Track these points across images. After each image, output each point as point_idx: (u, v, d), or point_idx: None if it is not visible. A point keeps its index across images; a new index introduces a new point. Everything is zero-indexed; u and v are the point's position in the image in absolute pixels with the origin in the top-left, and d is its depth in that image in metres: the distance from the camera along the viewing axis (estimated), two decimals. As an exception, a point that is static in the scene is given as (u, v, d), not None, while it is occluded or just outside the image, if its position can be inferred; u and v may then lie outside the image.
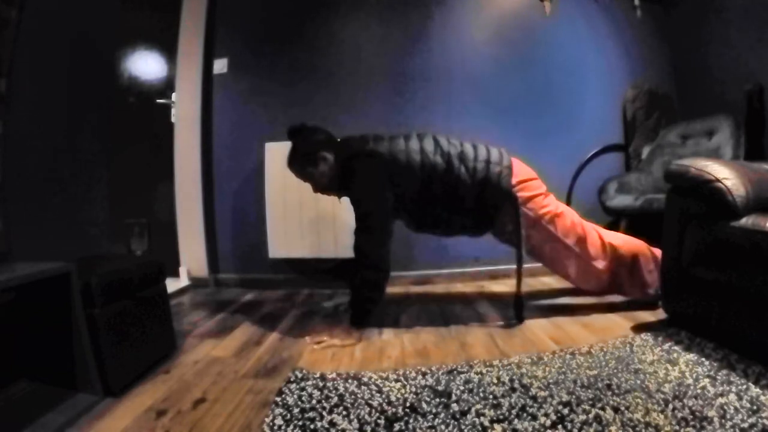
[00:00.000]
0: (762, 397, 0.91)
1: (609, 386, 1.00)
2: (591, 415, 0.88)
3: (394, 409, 0.95)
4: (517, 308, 1.58)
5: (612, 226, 2.28)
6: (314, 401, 1.00)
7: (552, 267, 1.73)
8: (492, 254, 2.31)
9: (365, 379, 1.11)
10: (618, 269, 1.61)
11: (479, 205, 1.58)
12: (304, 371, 1.17)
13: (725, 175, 1.20)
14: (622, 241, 1.64)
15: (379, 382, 1.09)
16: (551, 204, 1.64)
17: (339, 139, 1.68)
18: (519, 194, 1.57)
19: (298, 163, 1.63)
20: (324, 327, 1.61)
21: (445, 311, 1.77)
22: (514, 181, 1.58)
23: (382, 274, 1.57)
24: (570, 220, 1.62)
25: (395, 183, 1.54)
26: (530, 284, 2.17)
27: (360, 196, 1.56)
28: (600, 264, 1.60)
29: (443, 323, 1.62)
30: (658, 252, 1.61)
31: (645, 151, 2.42)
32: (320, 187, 1.68)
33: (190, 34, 2.37)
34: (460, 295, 2.03)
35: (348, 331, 1.53)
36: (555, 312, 1.67)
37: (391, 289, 2.17)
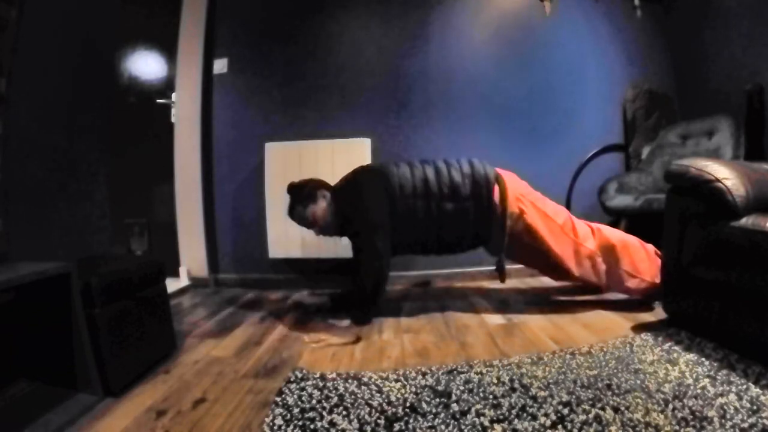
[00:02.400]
0: (762, 397, 0.91)
1: (609, 386, 1.00)
2: (591, 415, 0.88)
3: (394, 409, 0.95)
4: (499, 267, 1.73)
5: (612, 226, 2.28)
6: (314, 401, 1.00)
7: (556, 260, 1.70)
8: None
9: (365, 379, 1.11)
10: (608, 253, 1.63)
11: (472, 233, 1.70)
12: (304, 371, 1.17)
13: (725, 175, 1.20)
14: (609, 229, 1.72)
15: (379, 382, 1.09)
16: (547, 200, 1.74)
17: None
18: (508, 211, 1.65)
19: (300, 204, 1.71)
20: (323, 326, 1.61)
21: (445, 311, 1.77)
22: (497, 200, 1.65)
23: (382, 275, 1.62)
24: (566, 215, 1.71)
25: (393, 194, 1.63)
26: (530, 284, 2.17)
27: (360, 208, 1.63)
28: (590, 243, 1.65)
29: (443, 323, 1.62)
30: (649, 246, 1.67)
31: (645, 151, 2.42)
32: (323, 225, 1.74)
33: (190, 34, 2.37)
34: (460, 295, 2.03)
35: (346, 330, 1.54)
36: (555, 312, 1.67)
37: (391, 289, 2.18)
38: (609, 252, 1.63)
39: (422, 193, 1.63)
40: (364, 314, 1.65)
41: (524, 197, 1.68)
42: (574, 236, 1.66)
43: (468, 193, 1.64)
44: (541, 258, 1.73)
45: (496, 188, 1.66)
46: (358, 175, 1.74)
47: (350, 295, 1.75)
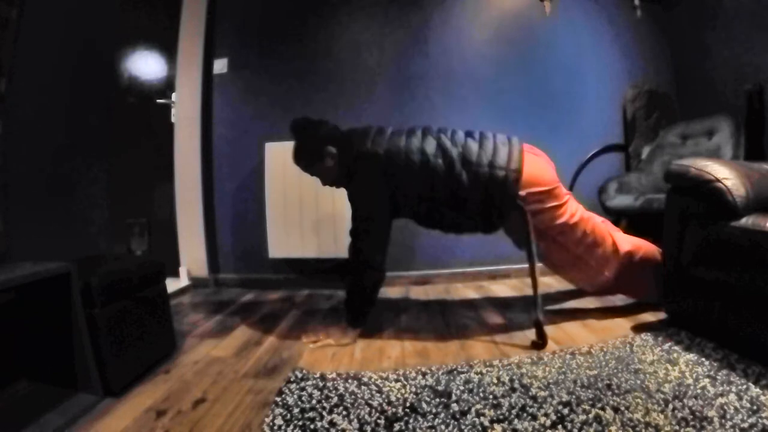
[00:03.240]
0: (762, 397, 0.91)
1: (609, 386, 1.00)
2: (591, 415, 0.88)
3: (394, 409, 0.95)
4: (538, 331, 1.37)
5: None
6: (314, 401, 1.00)
7: (558, 272, 1.70)
8: (492, 255, 2.31)
9: (365, 379, 1.11)
10: (627, 274, 1.56)
11: (484, 210, 1.46)
12: (304, 371, 1.17)
13: (725, 175, 1.20)
14: (636, 246, 1.57)
15: (379, 382, 1.09)
16: (566, 213, 1.48)
17: (342, 132, 1.63)
18: (529, 207, 1.42)
19: (305, 159, 1.60)
20: (321, 326, 1.61)
21: (445, 311, 1.77)
22: (524, 192, 1.41)
23: (379, 275, 1.51)
24: (583, 229, 1.50)
25: (395, 185, 1.47)
26: (528, 284, 2.17)
27: (358, 199, 1.52)
28: (608, 271, 1.54)
29: (443, 323, 1.62)
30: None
31: (645, 151, 2.42)
32: (328, 181, 1.64)
33: (190, 34, 2.37)
34: (459, 295, 2.03)
35: (344, 330, 1.53)
36: (555, 312, 1.67)
37: (391, 289, 2.18)
38: (628, 274, 1.55)
39: (426, 186, 1.45)
40: (359, 315, 1.54)
41: (544, 200, 1.46)
42: (596, 266, 1.54)
43: (475, 198, 1.43)
44: (568, 256, 1.56)
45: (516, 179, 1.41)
46: (368, 160, 1.48)
47: (354, 280, 1.55)
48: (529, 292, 2.00)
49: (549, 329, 1.48)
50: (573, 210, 1.52)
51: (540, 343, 1.35)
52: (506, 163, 1.42)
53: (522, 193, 1.41)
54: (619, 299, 1.73)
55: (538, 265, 1.63)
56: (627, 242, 1.57)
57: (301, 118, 1.63)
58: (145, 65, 2.49)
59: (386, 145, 1.49)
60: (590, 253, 1.53)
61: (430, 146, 1.48)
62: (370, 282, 1.51)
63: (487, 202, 1.43)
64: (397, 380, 1.10)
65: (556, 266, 1.65)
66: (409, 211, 1.56)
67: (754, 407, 0.87)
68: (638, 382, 1.02)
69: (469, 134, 1.55)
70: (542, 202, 1.45)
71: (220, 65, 2.42)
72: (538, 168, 1.47)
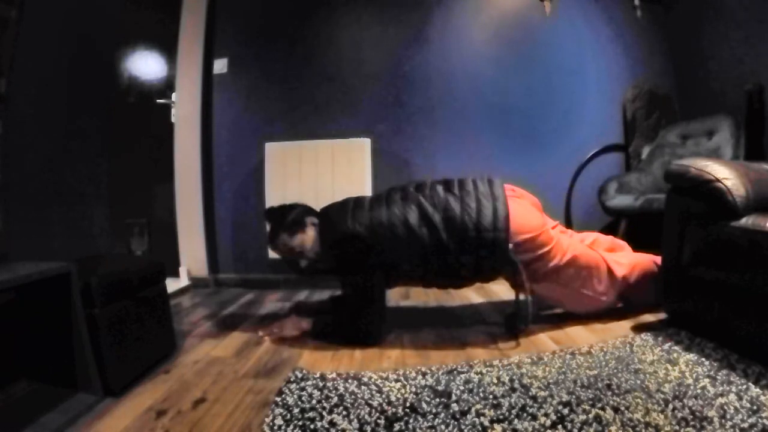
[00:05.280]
0: (762, 397, 0.91)
1: (609, 386, 1.00)
2: (591, 415, 0.88)
3: (394, 409, 0.95)
4: (513, 320, 1.45)
5: (612, 226, 2.28)
6: (314, 401, 1.00)
7: (559, 306, 1.63)
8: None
9: (365, 379, 1.11)
10: (626, 294, 1.56)
11: (477, 269, 1.43)
12: (304, 371, 1.17)
13: (725, 175, 1.19)
14: (631, 268, 1.54)
15: (379, 382, 1.09)
16: (557, 255, 1.45)
17: (320, 211, 1.58)
18: (520, 257, 1.39)
19: (286, 233, 1.50)
20: (278, 320, 1.62)
21: (445, 311, 1.77)
22: (512, 244, 1.37)
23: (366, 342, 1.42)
24: (576, 266, 1.47)
25: (384, 260, 1.40)
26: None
27: (350, 281, 1.44)
28: (608, 297, 1.52)
29: (443, 323, 1.62)
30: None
31: (645, 151, 2.42)
32: (311, 256, 1.52)
33: (190, 34, 2.38)
34: (460, 296, 2.03)
35: (296, 324, 1.54)
36: (555, 312, 1.67)
37: (391, 290, 2.18)
38: (626, 292, 1.54)
39: (418, 265, 1.41)
40: (325, 333, 1.48)
41: (534, 240, 1.42)
42: (594, 295, 1.51)
43: (469, 268, 1.41)
44: (567, 296, 1.53)
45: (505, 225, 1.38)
46: (352, 243, 1.40)
47: (334, 327, 1.50)
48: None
49: (549, 329, 1.49)
50: (564, 249, 1.47)
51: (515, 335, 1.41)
52: (492, 224, 1.37)
53: (511, 245, 1.37)
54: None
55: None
56: (622, 266, 1.54)
57: (275, 206, 1.60)
58: (145, 65, 2.49)
59: (368, 221, 1.40)
60: (587, 286, 1.50)
61: (413, 215, 1.40)
62: (356, 336, 1.44)
63: (479, 263, 1.41)
64: (397, 380, 1.10)
65: (555, 302, 1.60)
66: (403, 280, 1.52)
67: (754, 407, 0.87)
68: (638, 382, 1.02)
69: (447, 188, 1.47)
70: (533, 251, 1.42)
71: (220, 65, 2.42)
72: (523, 216, 1.44)
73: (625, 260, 1.57)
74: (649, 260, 1.58)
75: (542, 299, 1.56)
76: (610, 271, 1.51)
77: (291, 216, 1.50)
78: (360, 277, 1.41)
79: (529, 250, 1.42)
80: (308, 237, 1.50)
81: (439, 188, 1.47)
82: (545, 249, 1.43)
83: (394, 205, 1.44)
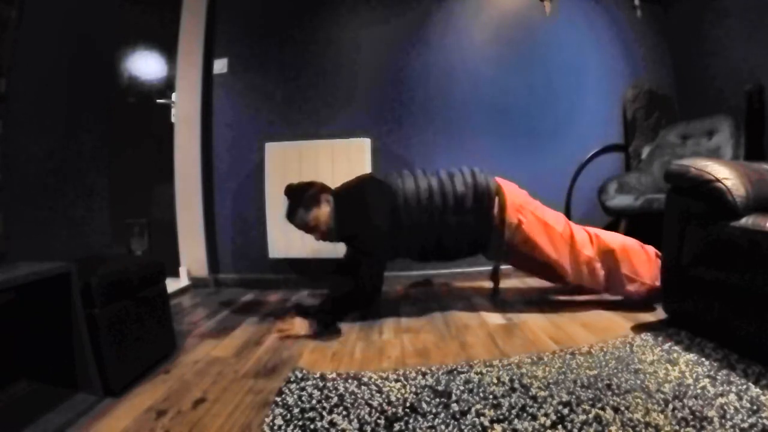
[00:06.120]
0: (762, 397, 0.91)
1: (609, 386, 1.00)
2: (591, 415, 0.88)
3: (394, 409, 0.95)
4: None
5: (612, 226, 2.28)
6: (314, 401, 1.00)
7: (544, 276, 1.81)
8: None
9: (365, 379, 1.11)
10: (607, 258, 1.63)
11: (475, 209, 1.65)
12: (304, 371, 1.17)
13: (725, 175, 1.20)
14: (608, 234, 1.71)
15: (379, 382, 1.09)
16: (549, 221, 1.68)
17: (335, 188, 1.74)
18: (507, 222, 1.64)
19: (303, 208, 1.64)
20: (287, 318, 1.62)
21: (444, 311, 1.77)
22: (496, 211, 1.66)
23: (380, 281, 1.64)
24: (568, 234, 1.68)
25: (395, 205, 1.61)
26: (529, 283, 2.17)
27: (363, 215, 1.60)
28: (587, 250, 1.64)
29: (443, 323, 1.62)
30: (649, 248, 1.66)
31: (645, 151, 2.42)
32: (325, 230, 1.67)
33: (190, 34, 2.37)
34: (460, 295, 2.03)
35: (307, 323, 1.54)
36: (555, 312, 1.67)
37: (391, 289, 2.18)
38: (608, 257, 1.63)
39: (426, 206, 1.62)
40: (331, 324, 1.59)
41: (523, 207, 1.67)
42: (572, 243, 1.66)
43: (470, 205, 1.63)
44: (539, 265, 1.71)
45: (497, 199, 1.66)
46: (365, 183, 1.71)
47: (348, 297, 1.72)
48: (530, 292, 2.02)
49: (549, 329, 1.49)
50: (555, 216, 1.72)
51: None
52: (484, 179, 1.68)
53: (495, 211, 1.66)
54: (619, 299, 1.73)
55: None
56: (599, 231, 1.73)
57: (294, 183, 1.73)
58: (145, 65, 2.49)
59: (388, 180, 1.68)
60: (580, 244, 1.65)
61: (423, 179, 1.69)
62: (371, 286, 1.60)
63: (471, 238, 1.68)
64: (397, 380, 1.10)
65: (554, 262, 1.67)
66: (402, 249, 1.71)
67: (754, 407, 0.87)
68: (638, 382, 1.02)
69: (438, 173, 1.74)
70: (516, 213, 1.66)
71: (220, 65, 2.42)
72: (510, 186, 1.74)
73: (614, 238, 1.71)
74: (630, 239, 1.70)
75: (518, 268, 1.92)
76: (588, 234, 1.70)
77: (308, 193, 1.64)
78: (372, 241, 1.59)
79: (512, 215, 1.65)
80: (323, 212, 1.64)
81: (443, 172, 1.74)
82: (530, 207, 1.69)
83: (406, 177, 1.70)
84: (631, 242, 1.68)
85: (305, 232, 1.70)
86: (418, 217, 1.61)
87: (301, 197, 1.65)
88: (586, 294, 1.83)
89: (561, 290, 1.98)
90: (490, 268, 2.35)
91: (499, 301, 1.90)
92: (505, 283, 2.21)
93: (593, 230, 1.72)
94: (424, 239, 1.66)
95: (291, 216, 1.67)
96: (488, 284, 2.24)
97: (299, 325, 1.53)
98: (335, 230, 1.67)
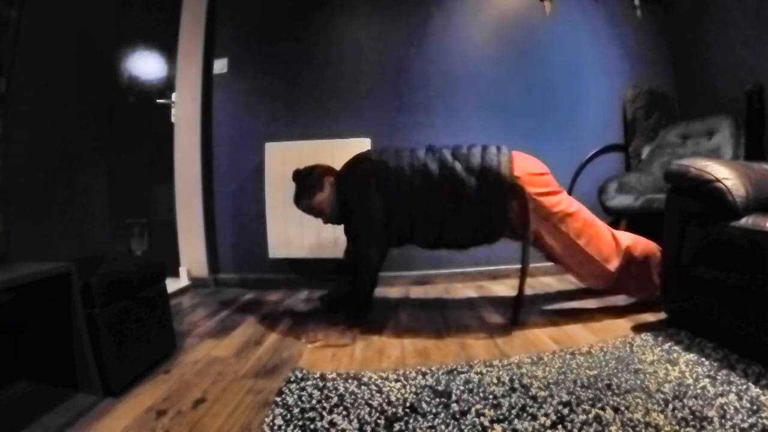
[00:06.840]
0: (762, 397, 0.91)
1: (609, 386, 1.00)
2: (591, 415, 0.88)
3: (394, 409, 0.95)
4: (515, 308, 1.57)
5: (612, 226, 2.28)
6: (314, 401, 1.00)
7: (562, 266, 1.70)
8: (492, 255, 2.31)
9: (365, 379, 1.11)
10: (629, 269, 1.58)
11: (483, 201, 1.51)
12: (304, 371, 1.17)
13: (725, 175, 1.20)
14: (635, 241, 1.60)
15: (379, 382, 1.09)
16: (563, 202, 1.57)
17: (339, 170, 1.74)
18: (527, 188, 1.50)
19: (307, 193, 1.67)
20: (320, 327, 1.61)
21: (444, 311, 1.77)
22: (519, 173, 1.51)
23: (375, 273, 1.64)
24: (582, 220, 1.57)
25: (388, 187, 1.56)
26: (529, 284, 2.17)
27: (355, 198, 1.61)
28: (612, 266, 1.55)
29: (443, 323, 1.62)
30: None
31: (645, 151, 2.42)
32: (329, 213, 1.70)
33: (190, 34, 2.37)
34: (459, 295, 2.03)
35: (342, 331, 1.54)
36: (555, 312, 1.67)
37: (391, 289, 2.18)
38: (630, 269, 1.58)
39: (421, 190, 1.53)
40: (360, 313, 1.65)
41: (542, 198, 1.53)
42: (599, 259, 1.56)
43: (473, 192, 1.50)
44: (584, 259, 1.58)
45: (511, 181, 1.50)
46: (358, 165, 1.66)
47: (345, 295, 1.72)
48: (531, 292, 2.02)
49: (549, 329, 1.49)
50: (570, 201, 1.61)
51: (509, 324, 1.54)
52: (497, 152, 1.56)
53: (519, 173, 1.52)
54: (620, 299, 1.73)
55: (548, 264, 1.76)
56: (625, 237, 1.63)
57: (300, 168, 1.74)
58: (145, 65, 2.49)
59: (381, 160, 1.62)
60: (593, 245, 1.56)
61: (420, 150, 1.63)
62: (369, 281, 1.62)
63: (484, 191, 1.51)
64: (397, 380, 1.10)
65: (562, 261, 1.64)
66: (408, 229, 1.61)
67: (754, 407, 0.87)
68: (638, 382, 1.02)
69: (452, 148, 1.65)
70: (540, 185, 1.55)
71: (220, 65, 2.42)
72: (529, 158, 1.63)
73: (629, 235, 1.64)
74: (651, 243, 1.62)
75: (544, 251, 1.66)
76: (615, 239, 1.59)
77: (312, 177, 1.67)
78: (364, 206, 1.57)
79: (535, 184, 1.54)
80: (326, 196, 1.67)
81: (447, 152, 1.63)
82: (550, 189, 1.57)
83: (401, 150, 1.65)
84: (653, 248, 1.60)
85: (312, 215, 1.72)
86: (411, 201, 1.54)
87: (306, 182, 1.68)
88: (587, 294, 1.83)
89: (561, 290, 1.98)
90: (490, 268, 2.35)
91: (521, 314, 1.58)
92: (506, 284, 2.21)
93: (619, 236, 1.62)
94: (424, 225, 1.57)
95: (298, 201, 1.70)
96: (488, 284, 2.24)
97: (336, 335, 1.52)
98: (339, 213, 1.68)
